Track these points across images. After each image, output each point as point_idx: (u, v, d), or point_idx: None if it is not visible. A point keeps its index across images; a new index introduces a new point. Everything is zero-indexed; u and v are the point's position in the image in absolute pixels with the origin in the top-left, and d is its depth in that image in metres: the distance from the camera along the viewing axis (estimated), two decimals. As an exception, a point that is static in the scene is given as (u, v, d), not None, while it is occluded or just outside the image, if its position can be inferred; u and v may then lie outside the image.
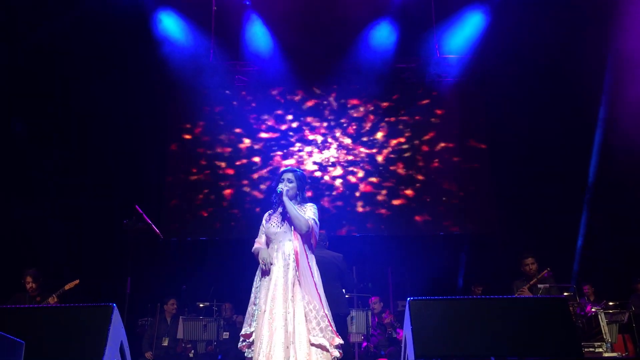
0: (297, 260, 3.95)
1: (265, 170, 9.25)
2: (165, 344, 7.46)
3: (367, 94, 9.53)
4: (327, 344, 3.77)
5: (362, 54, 9.11)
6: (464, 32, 8.88)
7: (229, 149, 9.35)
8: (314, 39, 8.98)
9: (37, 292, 6.47)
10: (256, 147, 9.36)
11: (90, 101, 8.59)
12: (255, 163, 9.28)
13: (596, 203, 8.56)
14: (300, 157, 9.30)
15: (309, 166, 9.24)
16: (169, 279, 8.33)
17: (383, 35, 8.98)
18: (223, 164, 9.28)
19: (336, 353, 3.80)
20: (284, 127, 9.46)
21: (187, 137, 9.43)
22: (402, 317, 4.18)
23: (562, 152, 8.74)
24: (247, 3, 8.74)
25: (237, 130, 9.43)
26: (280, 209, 4.19)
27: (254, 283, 4.08)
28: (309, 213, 4.12)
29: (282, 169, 4.40)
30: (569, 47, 8.27)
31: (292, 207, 4.07)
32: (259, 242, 4.21)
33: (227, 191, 9.16)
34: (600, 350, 5.75)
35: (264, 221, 4.27)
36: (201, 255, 8.97)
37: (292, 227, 4.06)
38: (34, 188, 8.28)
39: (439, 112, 9.47)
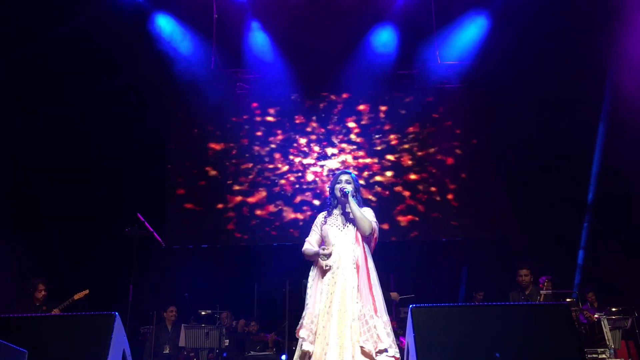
0: (357, 265, 3.94)
1: (264, 177, 9.26)
2: (167, 351, 7.45)
3: (368, 100, 9.56)
4: (372, 349, 3.71)
5: (363, 60, 9.12)
6: (465, 38, 8.90)
7: (230, 157, 9.35)
8: (315, 46, 8.99)
9: (43, 301, 6.49)
10: (258, 154, 9.36)
11: (91, 109, 8.61)
12: (257, 170, 9.28)
13: (599, 207, 8.56)
14: (302, 163, 9.31)
15: (309, 174, 9.25)
16: (171, 286, 8.32)
17: (384, 41, 9.00)
18: (225, 172, 9.28)
19: (383, 359, 3.73)
20: (285, 134, 9.47)
21: (189, 144, 9.43)
22: (405, 324, 4.16)
23: (565, 157, 8.74)
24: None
25: (239, 137, 9.44)
26: (337, 211, 4.19)
27: (310, 286, 4.05)
28: (369, 216, 4.12)
29: (338, 170, 4.44)
30: (570, 52, 8.28)
31: (357, 207, 4.05)
32: (310, 242, 4.16)
33: (229, 199, 9.16)
34: (604, 356, 5.75)
35: (318, 222, 4.22)
36: (203, 263, 8.96)
37: (356, 228, 4.05)
38: (35, 196, 8.29)
39: (439, 118, 9.48)
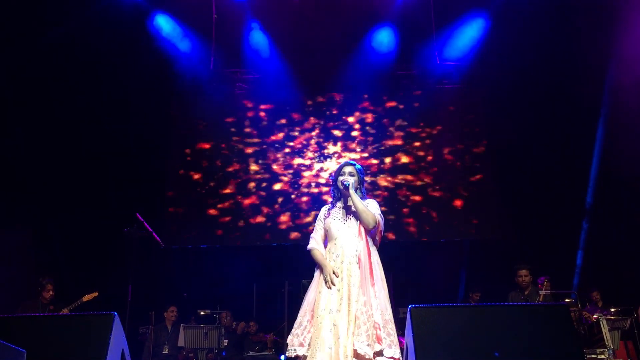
0: (359, 260, 3.80)
1: (264, 177, 9.26)
2: (166, 351, 7.45)
3: (368, 101, 9.55)
4: (369, 351, 3.54)
5: (363, 60, 9.13)
6: (464, 39, 8.91)
7: (230, 157, 9.35)
8: (315, 46, 9.01)
9: (49, 300, 6.51)
10: (256, 154, 9.36)
11: (90, 110, 8.60)
12: (255, 171, 9.28)
13: (598, 208, 8.56)
14: (302, 163, 9.31)
15: (309, 174, 9.25)
16: (170, 286, 8.32)
17: (383, 41, 9.01)
18: (224, 172, 9.28)
19: None
20: (284, 134, 9.47)
21: (188, 145, 9.42)
22: (404, 324, 4.15)
23: (564, 157, 8.75)
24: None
25: (238, 137, 9.44)
26: (340, 203, 4.06)
27: (310, 287, 3.89)
28: (373, 208, 3.98)
29: (342, 162, 4.19)
30: (569, 52, 8.29)
31: (359, 201, 3.90)
32: (316, 240, 4.02)
33: (228, 199, 9.15)
34: (602, 356, 5.76)
35: (322, 215, 4.09)
36: (202, 263, 8.96)
37: (359, 222, 3.91)
38: (35, 196, 8.29)
39: (438, 119, 9.47)
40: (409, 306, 3.75)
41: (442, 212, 9.06)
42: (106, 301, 6.24)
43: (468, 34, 8.85)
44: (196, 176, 9.27)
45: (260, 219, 9.05)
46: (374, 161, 9.29)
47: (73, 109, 8.47)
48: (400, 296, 8.94)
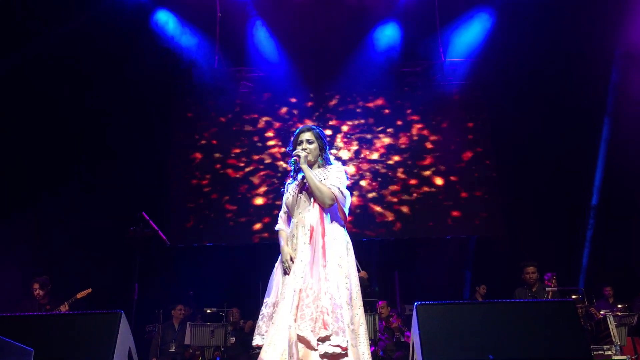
0: (310, 236, 3.38)
1: (269, 177, 9.26)
2: (173, 349, 7.47)
3: (372, 98, 9.54)
4: (311, 337, 3.09)
5: (367, 58, 9.12)
6: (469, 36, 8.89)
7: (234, 155, 9.36)
8: (319, 44, 9.00)
9: (46, 300, 6.51)
10: (262, 153, 9.37)
11: (94, 108, 8.62)
12: (260, 169, 9.29)
13: (605, 205, 8.52)
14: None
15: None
16: (176, 285, 8.34)
17: (388, 39, 8.99)
18: (229, 170, 9.29)
19: (325, 348, 3.08)
20: (289, 131, 9.47)
21: (193, 143, 9.44)
22: (410, 321, 4.14)
23: (570, 154, 8.71)
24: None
25: (242, 136, 9.45)
26: (299, 176, 3.59)
27: (276, 274, 3.56)
28: (332, 179, 3.48)
29: (298, 128, 3.66)
30: (575, 49, 8.24)
31: (312, 176, 3.44)
32: (283, 219, 3.71)
33: (234, 197, 9.16)
34: (610, 353, 5.73)
35: (285, 190, 3.70)
36: (208, 261, 8.97)
37: (312, 198, 3.46)
38: (40, 196, 8.31)
39: (444, 116, 9.45)
40: (415, 303, 3.74)
41: (448, 209, 9.04)
42: (112, 300, 6.24)
43: (473, 31, 8.84)
44: (201, 175, 9.28)
45: (265, 218, 9.05)
46: (378, 158, 9.27)
47: (76, 108, 8.48)
48: (406, 293, 8.95)
